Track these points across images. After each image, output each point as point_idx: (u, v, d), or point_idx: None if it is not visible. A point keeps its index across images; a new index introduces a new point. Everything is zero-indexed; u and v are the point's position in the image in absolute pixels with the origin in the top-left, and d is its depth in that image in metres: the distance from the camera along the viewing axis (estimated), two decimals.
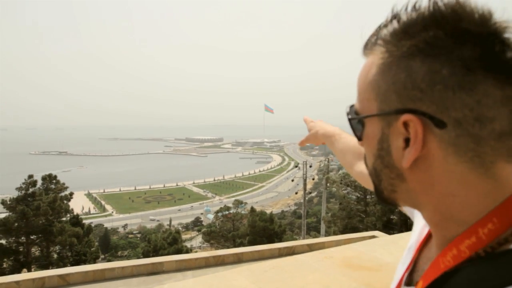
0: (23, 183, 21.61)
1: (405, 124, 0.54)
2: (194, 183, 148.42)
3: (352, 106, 0.64)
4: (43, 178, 23.09)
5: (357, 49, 0.64)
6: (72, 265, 19.57)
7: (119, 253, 51.29)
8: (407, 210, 0.88)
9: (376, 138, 0.60)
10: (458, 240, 0.55)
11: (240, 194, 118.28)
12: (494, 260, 0.50)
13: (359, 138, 0.64)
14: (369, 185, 0.94)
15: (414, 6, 0.54)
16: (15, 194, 21.60)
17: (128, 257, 43.18)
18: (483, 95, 0.49)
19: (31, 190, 21.58)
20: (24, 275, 6.91)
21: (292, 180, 41.22)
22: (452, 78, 0.50)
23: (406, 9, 0.55)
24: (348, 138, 1.24)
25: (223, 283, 4.18)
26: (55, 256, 21.65)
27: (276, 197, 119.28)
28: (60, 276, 6.82)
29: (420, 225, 0.75)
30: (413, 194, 0.59)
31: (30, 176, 21.96)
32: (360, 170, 1.12)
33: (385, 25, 0.58)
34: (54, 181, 23.46)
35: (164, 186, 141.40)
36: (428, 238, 0.70)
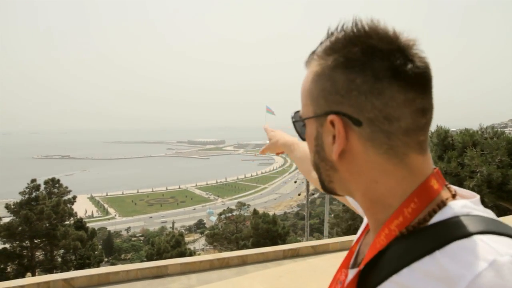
0: (26, 187, 21.61)
1: (332, 123, 0.67)
2: (196, 185, 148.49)
3: (297, 112, 0.79)
4: (46, 182, 23.10)
5: None
6: (76, 268, 19.55)
7: (123, 256, 51.33)
8: (354, 206, 1.00)
9: (313, 136, 0.73)
10: (389, 221, 0.66)
11: (243, 196, 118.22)
12: (415, 236, 0.62)
13: (303, 139, 0.77)
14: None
15: (342, 27, 0.67)
16: (18, 198, 21.60)
17: (131, 260, 43.20)
18: (389, 99, 0.62)
19: (34, 194, 21.59)
20: (29, 280, 6.88)
21: (295, 182, 41.20)
22: (364, 85, 0.63)
23: (337, 29, 0.68)
24: (305, 147, 1.32)
25: None
26: (59, 259, 21.65)
27: (278, 198, 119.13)
28: (64, 280, 6.79)
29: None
30: (345, 182, 0.72)
31: (33, 180, 21.95)
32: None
33: (321, 43, 0.70)
34: (57, 185, 23.48)
35: (166, 189, 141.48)
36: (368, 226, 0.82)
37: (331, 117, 0.66)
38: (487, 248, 0.54)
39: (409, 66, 0.62)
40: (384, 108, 0.62)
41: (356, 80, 0.63)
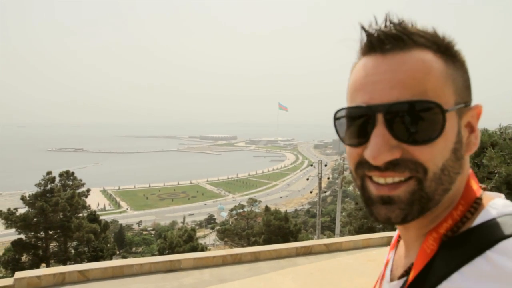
0: (42, 180, 21.88)
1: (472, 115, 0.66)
2: (207, 181, 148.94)
3: (429, 102, 0.59)
4: (60, 175, 23.35)
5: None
6: (90, 260, 19.80)
7: (134, 249, 51.76)
8: None
9: (455, 131, 0.62)
10: (439, 225, 0.64)
11: (254, 192, 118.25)
12: (462, 239, 0.60)
13: (435, 137, 0.59)
14: None
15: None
16: (34, 190, 21.89)
17: (142, 254, 43.55)
18: None
19: (49, 186, 21.85)
20: (45, 270, 6.99)
21: (307, 179, 41.06)
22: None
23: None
24: None
25: (270, 285, 4.11)
26: (73, 251, 21.93)
27: (289, 195, 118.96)
28: (80, 271, 6.88)
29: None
30: (455, 186, 0.65)
31: (49, 173, 22.21)
32: None
33: (418, 30, 0.64)
34: (71, 177, 23.73)
35: (178, 184, 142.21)
36: (398, 240, 0.82)
37: (479, 107, 0.66)
38: None
39: None
40: None
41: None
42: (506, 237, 0.55)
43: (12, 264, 19.94)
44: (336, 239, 9.79)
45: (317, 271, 4.46)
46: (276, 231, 25.07)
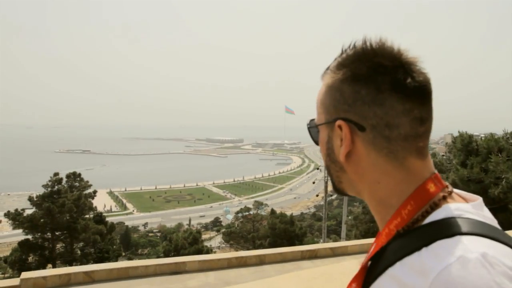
0: (49, 181, 22.04)
1: (340, 128, 0.76)
2: (214, 183, 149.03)
3: (312, 120, 0.88)
4: (68, 176, 23.50)
5: None
6: (95, 261, 19.88)
7: (139, 251, 51.94)
8: None
9: (325, 140, 0.82)
10: (389, 222, 0.74)
11: (260, 196, 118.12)
12: (409, 235, 0.69)
13: (317, 143, 0.86)
14: None
15: (354, 45, 0.78)
16: (41, 191, 22.04)
17: (148, 255, 43.70)
18: (389, 108, 0.71)
19: (56, 187, 22.01)
20: (51, 271, 7.03)
21: (314, 182, 41.00)
22: (367, 96, 0.72)
23: (349, 47, 0.78)
24: None
25: None
26: (79, 252, 22.04)
27: (296, 199, 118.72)
28: (85, 272, 6.92)
29: None
30: (352, 183, 0.80)
31: (56, 174, 22.38)
32: None
33: (335, 59, 0.81)
34: (78, 179, 23.88)
35: (184, 186, 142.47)
36: None
37: (339, 122, 0.76)
38: (461, 246, 0.60)
39: (409, 80, 0.71)
40: (384, 116, 0.72)
41: (361, 91, 0.73)
42: (441, 237, 0.63)
43: (19, 264, 20.12)
44: (342, 243, 9.75)
45: (321, 275, 4.43)
46: (281, 234, 25.02)
